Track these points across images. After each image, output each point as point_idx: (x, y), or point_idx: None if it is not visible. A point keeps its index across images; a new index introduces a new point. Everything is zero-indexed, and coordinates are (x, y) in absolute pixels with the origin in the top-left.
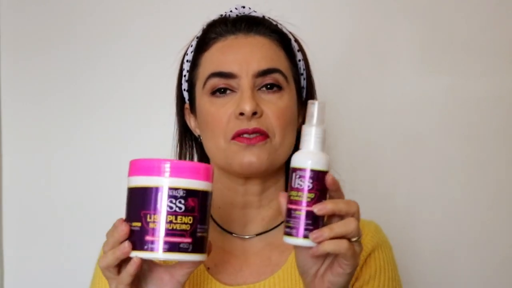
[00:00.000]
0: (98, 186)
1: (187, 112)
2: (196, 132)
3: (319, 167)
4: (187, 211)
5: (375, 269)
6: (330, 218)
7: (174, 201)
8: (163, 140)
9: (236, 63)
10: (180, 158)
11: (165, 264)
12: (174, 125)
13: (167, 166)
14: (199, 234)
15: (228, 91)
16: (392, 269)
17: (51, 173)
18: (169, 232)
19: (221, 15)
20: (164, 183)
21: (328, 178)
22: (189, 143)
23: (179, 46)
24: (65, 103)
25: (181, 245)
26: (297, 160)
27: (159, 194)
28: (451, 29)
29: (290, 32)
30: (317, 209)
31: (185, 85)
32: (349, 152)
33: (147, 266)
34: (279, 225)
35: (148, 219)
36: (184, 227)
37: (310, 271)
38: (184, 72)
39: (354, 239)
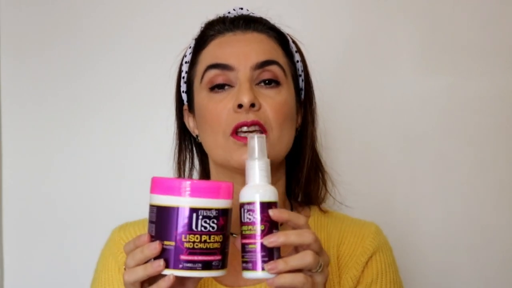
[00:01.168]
0: (99, 186)
1: (186, 113)
2: (195, 132)
3: (267, 199)
4: (219, 230)
5: (376, 272)
6: (292, 249)
7: (208, 221)
8: (164, 140)
9: (233, 56)
10: (179, 159)
11: None
12: (173, 128)
13: (199, 186)
14: (226, 250)
15: (226, 87)
16: (393, 271)
17: (51, 173)
18: (204, 251)
19: (220, 16)
20: (199, 204)
21: (271, 213)
22: (188, 145)
23: (180, 47)
24: (65, 103)
25: (214, 263)
26: (244, 195)
27: (194, 214)
28: (451, 29)
29: (288, 34)
30: (268, 241)
31: (183, 87)
32: (349, 152)
33: None
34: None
35: (183, 239)
36: (216, 245)
37: None
38: (183, 74)
39: (314, 270)
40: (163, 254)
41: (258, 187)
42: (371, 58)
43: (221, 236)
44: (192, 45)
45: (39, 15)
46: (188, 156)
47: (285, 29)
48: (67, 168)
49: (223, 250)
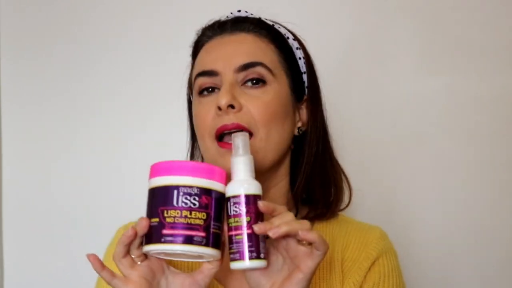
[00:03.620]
0: (100, 185)
1: None
2: None
3: (252, 191)
4: (201, 208)
5: (379, 276)
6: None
7: (189, 197)
8: (165, 141)
9: (218, 61)
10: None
11: (188, 271)
12: (187, 130)
13: (184, 166)
14: (213, 230)
15: (214, 90)
16: (397, 276)
17: (52, 173)
18: (184, 226)
19: (213, 20)
20: (180, 181)
21: (260, 204)
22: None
23: (180, 47)
24: (66, 104)
25: (195, 238)
26: (230, 189)
27: (175, 191)
28: (451, 29)
29: (289, 31)
30: (256, 228)
31: (189, 91)
32: (349, 152)
33: (169, 273)
34: None
35: (165, 214)
36: (198, 221)
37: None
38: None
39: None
40: (150, 230)
41: (242, 181)
42: (371, 58)
43: (204, 214)
44: (191, 53)
45: (39, 15)
46: (201, 159)
47: (288, 25)
48: (68, 168)
49: (207, 228)
